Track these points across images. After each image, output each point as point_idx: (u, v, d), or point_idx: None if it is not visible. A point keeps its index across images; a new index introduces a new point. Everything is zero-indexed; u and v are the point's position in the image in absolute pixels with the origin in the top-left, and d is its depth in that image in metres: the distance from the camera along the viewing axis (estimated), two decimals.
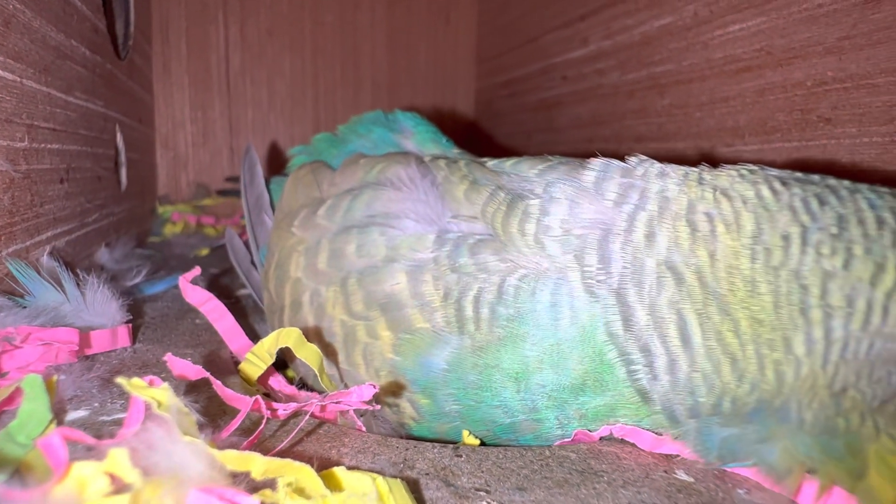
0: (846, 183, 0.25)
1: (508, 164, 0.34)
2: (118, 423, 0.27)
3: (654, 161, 0.29)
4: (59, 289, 0.36)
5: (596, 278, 0.26)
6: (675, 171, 0.28)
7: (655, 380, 0.25)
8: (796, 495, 0.24)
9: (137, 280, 0.50)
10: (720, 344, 0.23)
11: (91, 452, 0.19)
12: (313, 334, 0.34)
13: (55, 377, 0.28)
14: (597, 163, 0.29)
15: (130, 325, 0.38)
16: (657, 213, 0.26)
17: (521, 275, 0.28)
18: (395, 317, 0.30)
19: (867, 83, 0.38)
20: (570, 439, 0.28)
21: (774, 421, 0.23)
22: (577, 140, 0.74)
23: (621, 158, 0.29)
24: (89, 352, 0.34)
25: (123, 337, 0.37)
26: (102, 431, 0.26)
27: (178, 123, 0.96)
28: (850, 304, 0.22)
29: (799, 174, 0.26)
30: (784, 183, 0.25)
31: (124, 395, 0.30)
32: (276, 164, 0.94)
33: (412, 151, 0.48)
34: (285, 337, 0.29)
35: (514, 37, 0.91)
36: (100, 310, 0.36)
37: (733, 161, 0.49)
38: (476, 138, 1.04)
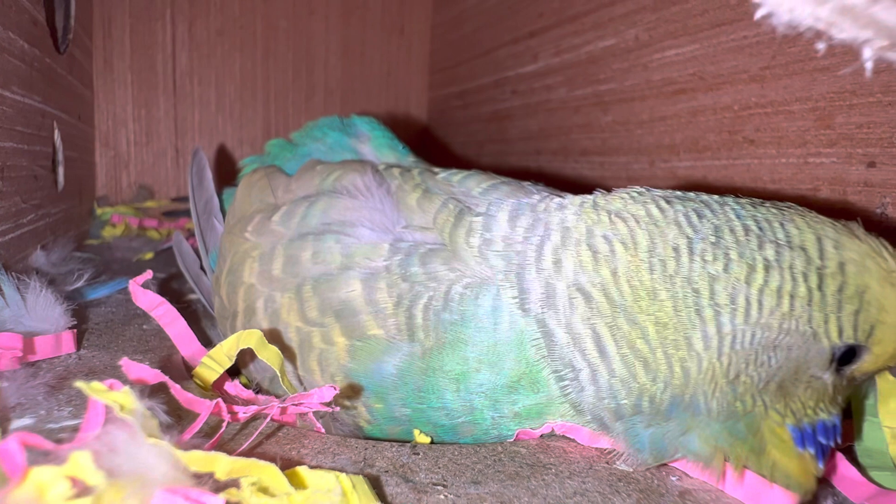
0: (715, 197, 0.29)
1: (457, 178, 0.36)
2: (67, 430, 0.26)
3: (554, 196, 0.32)
4: None
5: (522, 307, 0.28)
6: (573, 202, 0.30)
7: (582, 391, 0.27)
8: (722, 482, 0.27)
9: (79, 284, 0.48)
10: (632, 350, 0.26)
11: (48, 458, 0.19)
12: (268, 340, 0.34)
13: None
14: (509, 203, 0.32)
15: (75, 330, 0.37)
16: (560, 242, 0.28)
17: (466, 282, 0.29)
18: (349, 323, 0.31)
19: (784, 109, 0.42)
20: (510, 440, 0.30)
21: (689, 414, 0.26)
22: (527, 152, 0.77)
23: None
24: (33, 358, 0.33)
25: (68, 343, 0.35)
26: (52, 439, 0.25)
27: (120, 121, 0.92)
28: (733, 302, 0.25)
29: (678, 192, 0.29)
30: (668, 201, 0.28)
31: (72, 402, 0.29)
32: (224, 167, 0.92)
33: (368, 157, 0.48)
34: (246, 339, 0.29)
35: (466, 50, 0.94)
36: (42, 315, 0.35)
37: (671, 175, 0.53)
38: (430, 147, 1.05)
